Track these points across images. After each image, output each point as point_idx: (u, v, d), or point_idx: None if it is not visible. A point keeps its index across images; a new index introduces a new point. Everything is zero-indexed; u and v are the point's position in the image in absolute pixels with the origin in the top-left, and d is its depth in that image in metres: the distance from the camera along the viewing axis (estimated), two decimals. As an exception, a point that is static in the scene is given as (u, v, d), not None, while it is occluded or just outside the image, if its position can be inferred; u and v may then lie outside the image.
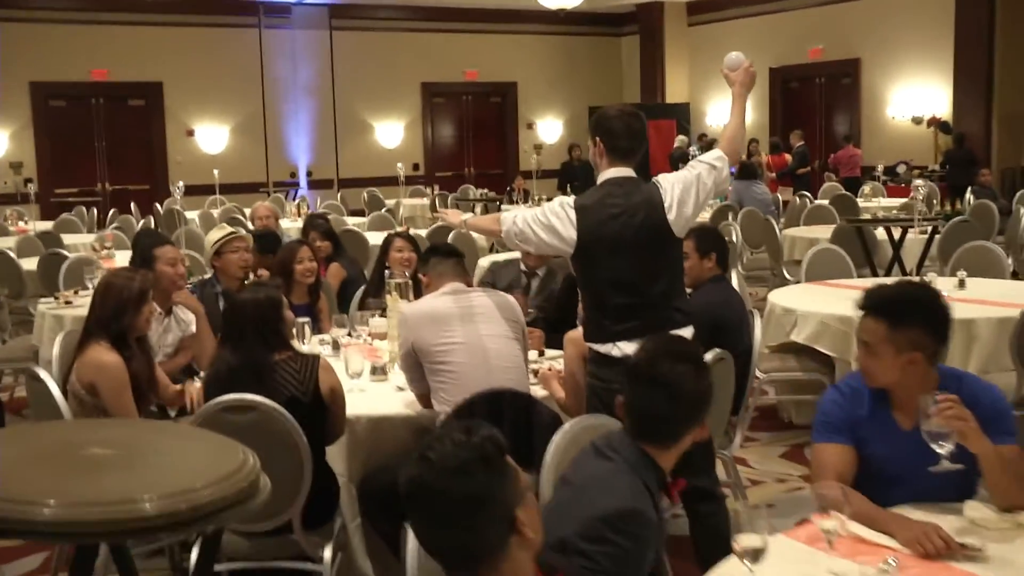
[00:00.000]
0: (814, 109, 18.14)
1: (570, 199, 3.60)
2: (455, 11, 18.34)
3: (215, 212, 12.57)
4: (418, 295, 4.67)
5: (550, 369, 4.09)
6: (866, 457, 2.77)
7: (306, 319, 4.68)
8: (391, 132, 18.67)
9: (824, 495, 2.31)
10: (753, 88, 3.97)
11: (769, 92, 18.38)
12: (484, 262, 7.99)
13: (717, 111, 19.34)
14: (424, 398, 3.80)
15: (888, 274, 7.95)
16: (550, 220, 3.56)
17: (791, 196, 14.24)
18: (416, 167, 18.58)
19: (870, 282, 6.58)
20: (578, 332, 3.87)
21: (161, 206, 14.05)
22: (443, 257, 3.97)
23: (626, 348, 3.45)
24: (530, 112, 20.07)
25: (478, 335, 3.74)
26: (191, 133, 17.04)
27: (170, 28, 16.39)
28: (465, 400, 3.40)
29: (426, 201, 15.04)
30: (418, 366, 3.75)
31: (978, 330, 5.16)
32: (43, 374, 3.87)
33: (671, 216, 3.51)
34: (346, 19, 17.90)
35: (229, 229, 5.45)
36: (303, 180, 17.85)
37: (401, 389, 4.10)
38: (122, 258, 8.32)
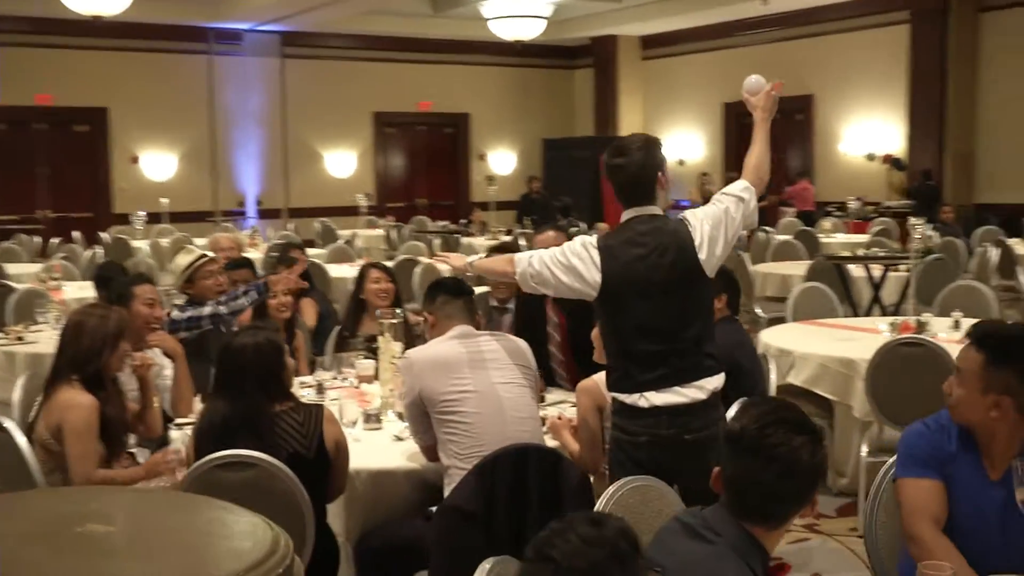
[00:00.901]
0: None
1: (592, 238, 3.33)
2: (408, 41, 18.12)
3: (164, 242, 12.15)
4: (408, 334, 4.40)
5: (560, 417, 3.83)
6: (950, 500, 2.59)
7: (286, 360, 4.37)
8: (342, 162, 18.34)
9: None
10: (772, 112, 3.69)
11: (724, 127, 18.40)
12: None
13: (670, 145, 19.28)
14: (430, 450, 3.51)
15: (868, 313, 7.82)
16: (571, 261, 3.29)
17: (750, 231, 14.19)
18: (367, 197, 18.25)
19: (867, 322, 6.42)
20: (591, 381, 3.62)
21: (107, 234, 13.60)
22: (452, 297, 3.67)
23: (654, 399, 3.20)
24: (483, 144, 19.86)
25: (490, 383, 3.47)
26: (136, 160, 16.55)
27: (117, 53, 15.93)
28: (488, 457, 3.11)
29: (381, 232, 14.74)
30: (424, 416, 3.47)
31: (983, 373, 4.98)
32: (8, 423, 3.52)
33: (702, 255, 3.27)
34: (298, 47, 17.57)
35: (198, 252, 5.11)
36: (252, 209, 17.44)
37: (399, 439, 3.82)
38: (72, 290, 7.94)
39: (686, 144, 19.01)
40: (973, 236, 11.85)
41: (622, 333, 3.26)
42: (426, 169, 19.48)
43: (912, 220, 5.91)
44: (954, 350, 4.84)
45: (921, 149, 15.30)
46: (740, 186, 3.46)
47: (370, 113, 18.53)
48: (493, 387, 3.46)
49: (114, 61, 15.99)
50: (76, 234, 13.40)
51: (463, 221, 14.88)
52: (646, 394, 3.20)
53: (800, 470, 2.15)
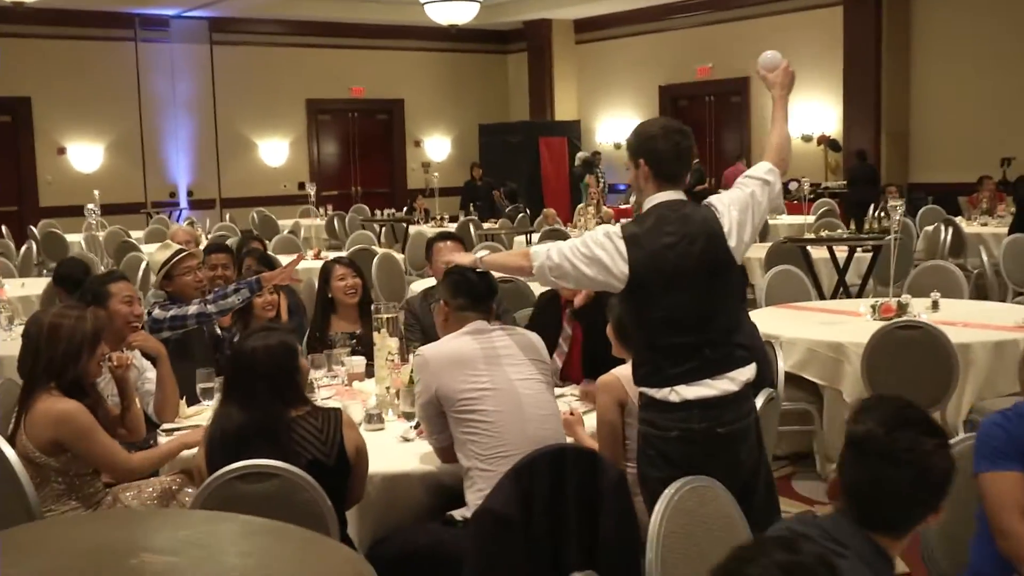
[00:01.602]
0: (704, 127, 18.15)
1: (616, 228, 3.16)
2: (340, 26, 17.78)
3: (100, 235, 11.71)
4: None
5: (571, 413, 3.68)
6: None
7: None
8: (275, 150, 17.96)
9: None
10: (790, 88, 3.53)
11: (659, 110, 18.37)
12: (418, 287, 7.53)
13: (606, 128, 19.25)
14: (445, 452, 3.35)
15: (835, 296, 7.80)
16: (594, 252, 3.11)
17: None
18: (301, 186, 17.90)
19: (847, 304, 6.37)
20: (612, 376, 3.47)
21: (35, 228, 13.12)
22: (475, 301, 3.48)
23: (685, 392, 3.07)
24: (417, 130, 19.61)
25: (508, 379, 3.31)
26: (63, 151, 16.01)
27: (39, 40, 15.35)
28: (525, 459, 2.95)
29: (320, 222, 14.43)
30: (441, 416, 3.30)
31: (974, 355, 4.96)
32: (-2, 441, 3.27)
33: (732, 242, 3.14)
34: (227, 33, 17.14)
35: (175, 247, 4.84)
36: (183, 200, 16.99)
37: (406, 440, 3.65)
38: (13, 288, 7.58)
39: (622, 128, 18.95)
40: (916, 216, 11.98)
41: (651, 326, 3.12)
42: (361, 156, 19.17)
43: (892, 201, 5.87)
44: (950, 332, 4.86)
45: (857, 130, 15.44)
46: (764, 168, 3.34)
47: (302, 100, 18.18)
48: (511, 384, 3.31)
49: (36, 49, 15.42)
50: (3, 229, 12.91)
51: (406, 208, 14.62)
52: (676, 388, 3.07)
53: (933, 475, 2.03)
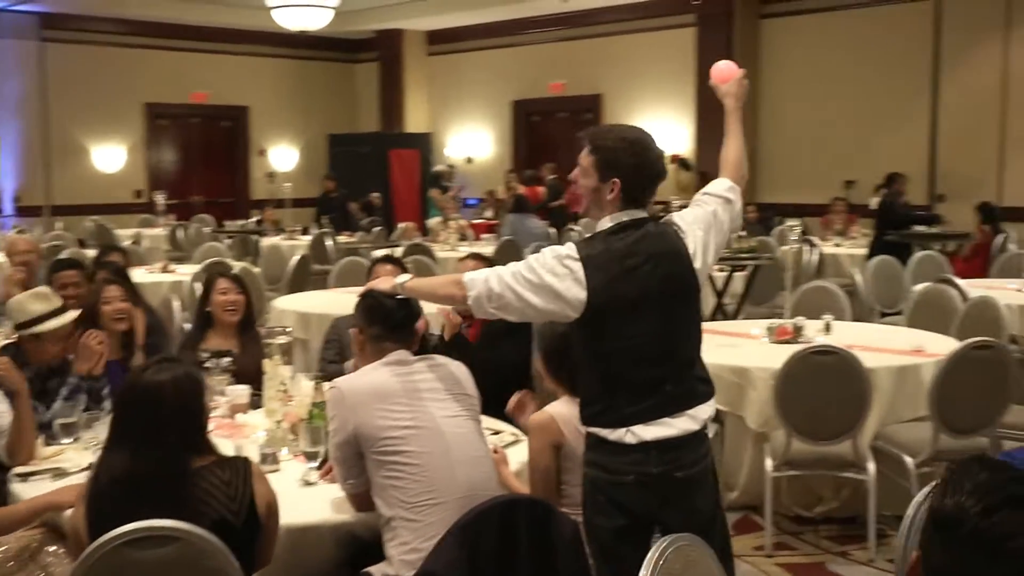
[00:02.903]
0: (556, 143, 18.06)
1: (569, 249, 2.81)
2: (183, 28, 16.94)
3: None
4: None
5: (495, 451, 3.32)
6: None
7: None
8: (111, 156, 16.94)
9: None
10: (743, 99, 3.29)
11: (512, 125, 18.24)
12: (283, 304, 7.04)
13: (457, 142, 18.96)
14: (361, 498, 2.94)
15: (713, 317, 7.68)
16: (544, 278, 2.76)
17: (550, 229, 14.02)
18: (139, 194, 17.01)
19: (738, 326, 6.16)
20: (546, 415, 3.14)
21: None
22: (393, 328, 3.06)
23: (642, 433, 2.75)
24: (263, 138, 18.87)
25: (432, 417, 2.93)
26: None
27: None
28: (470, 513, 2.57)
29: (163, 231, 13.64)
30: (359, 458, 2.89)
31: (879, 380, 4.82)
32: None
33: (697, 264, 2.85)
34: (60, 30, 16.07)
35: (57, 302, 3.98)
36: (8, 206, 15.82)
37: (309, 483, 3.22)
38: None
39: (474, 142, 18.73)
40: (772, 235, 12.11)
41: (608, 359, 2.79)
42: (202, 164, 18.31)
43: (789, 221, 5.75)
44: (863, 357, 4.71)
45: (708, 149, 15.55)
46: (724, 185, 3.09)
47: (141, 104, 17.22)
48: (436, 422, 2.93)
49: None
50: None
51: (254, 220, 13.95)
52: (633, 428, 2.75)
53: None
